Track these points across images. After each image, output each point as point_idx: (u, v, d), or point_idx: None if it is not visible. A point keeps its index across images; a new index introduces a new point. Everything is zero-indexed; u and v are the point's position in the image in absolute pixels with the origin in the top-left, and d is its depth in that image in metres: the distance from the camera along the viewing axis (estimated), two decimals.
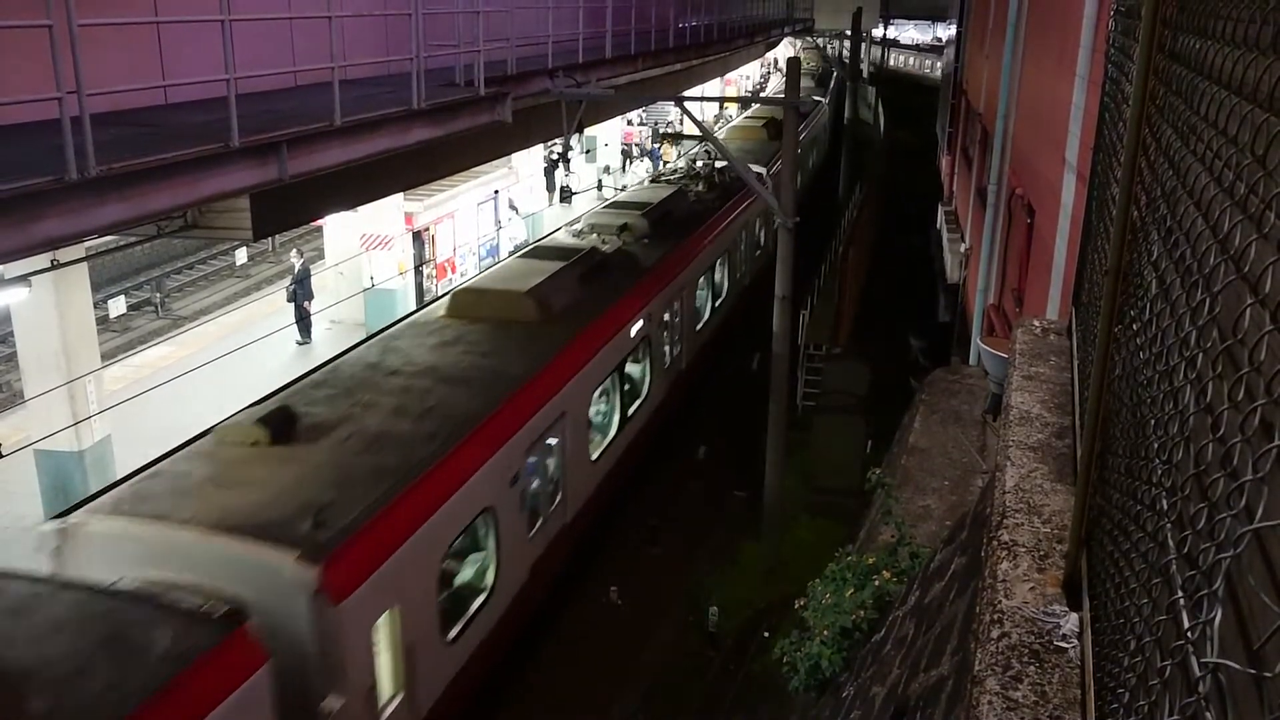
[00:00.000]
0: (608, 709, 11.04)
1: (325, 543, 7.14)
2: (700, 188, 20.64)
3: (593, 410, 12.25)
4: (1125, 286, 3.07)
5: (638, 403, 13.93)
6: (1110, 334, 3.01)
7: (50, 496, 12.63)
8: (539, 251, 14.33)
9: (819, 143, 34.98)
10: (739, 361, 20.08)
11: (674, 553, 13.94)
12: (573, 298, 12.61)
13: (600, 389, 12.31)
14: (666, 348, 15.20)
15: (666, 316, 14.97)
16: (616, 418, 13.14)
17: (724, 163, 21.67)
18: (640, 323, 13.47)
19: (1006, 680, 2.83)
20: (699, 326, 17.25)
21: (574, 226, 16.77)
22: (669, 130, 41.90)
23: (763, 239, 22.66)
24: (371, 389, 9.82)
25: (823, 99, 37.49)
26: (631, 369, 13.93)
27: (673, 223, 17.32)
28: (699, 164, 22.33)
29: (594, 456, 12.15)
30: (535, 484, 10.43)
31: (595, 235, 15.97)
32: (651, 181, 21.79)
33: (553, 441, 10.75)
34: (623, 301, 13.25)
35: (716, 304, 18.51)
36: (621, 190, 22.70)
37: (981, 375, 12.04)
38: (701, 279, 17.38)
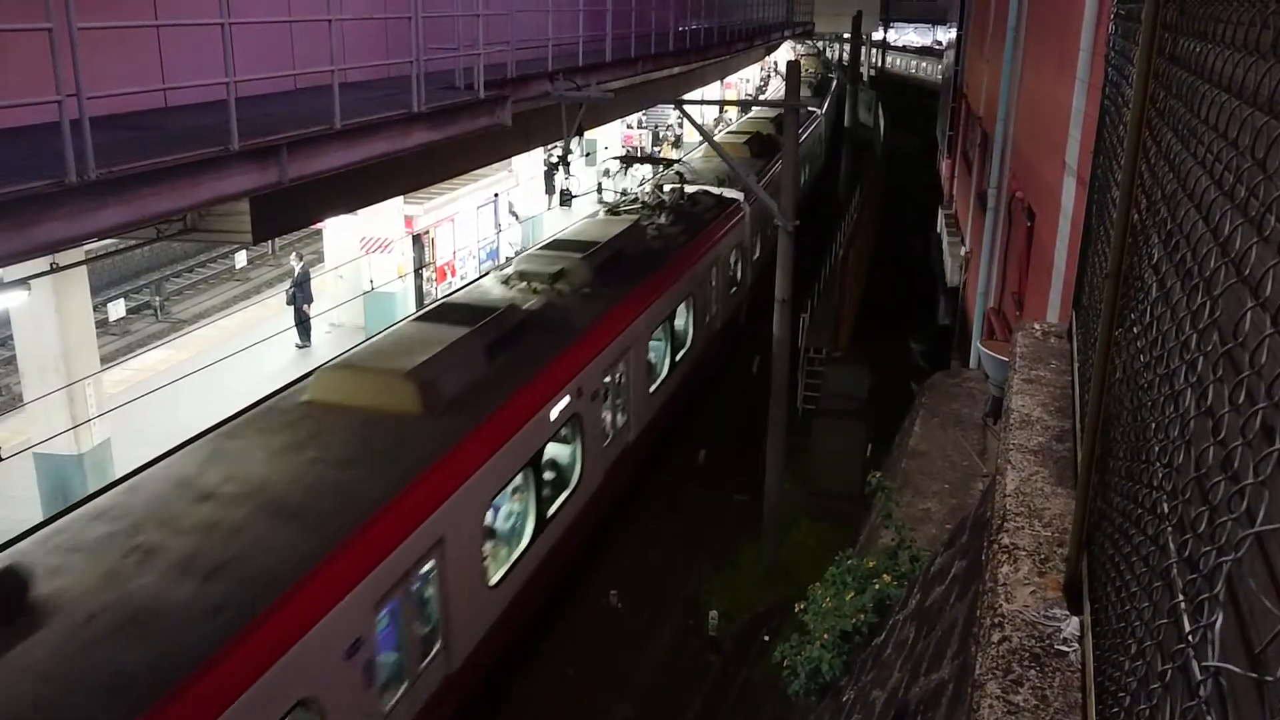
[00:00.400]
0: (608, 713, 11.03)
1: None
2: (662, 219, 17.65)
3: (494, 520, 9.87)
4: (1125, 290, 3.07)
5: (563, 497, 11.32)
6: (1111, 337, 3.01)
7: (50, 500, 12.63)
8: (441, 313, 11.60)
9: (814, 156, 32.93)
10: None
11: (674, 556, 13.94)
12: (473, 376, 10.06)
13: (506, 491, 9.91)
14: (606, 420, 12.69)
15: (607, 380, 12.56)
16: (530, 523, 10.49)
17: (694, 188, 19.76)
18: (566, 399, 10.97)
19: (1007, 684, 2.83)
20: (653, 388, 14.62)
21: (504, 271, 14.13)
22: (664, 137, 41.96)
23: (739, 274, 20.07)
24: (164, 525, 7.22)
25: (818, 109, 35.93)
26: (556, 454, 11.48)
27: (623, 265, 14.54)
28: (666, 189, 19.47)
29: (494, 580, 9.59)
30: (393, 642, 7.95)
31: (525, 284, 13.42)
32: (609, 213, 18.44)
33: (427, 573, 8.31)
34: (543, 375, 10.72)
35: (677, 357, 15.83)
36: (621, 195, 20.34)
37: (982, 378, 12.03)
38: (659, 329, 14.83)
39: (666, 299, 14.93)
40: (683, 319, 16.35)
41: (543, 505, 10.68)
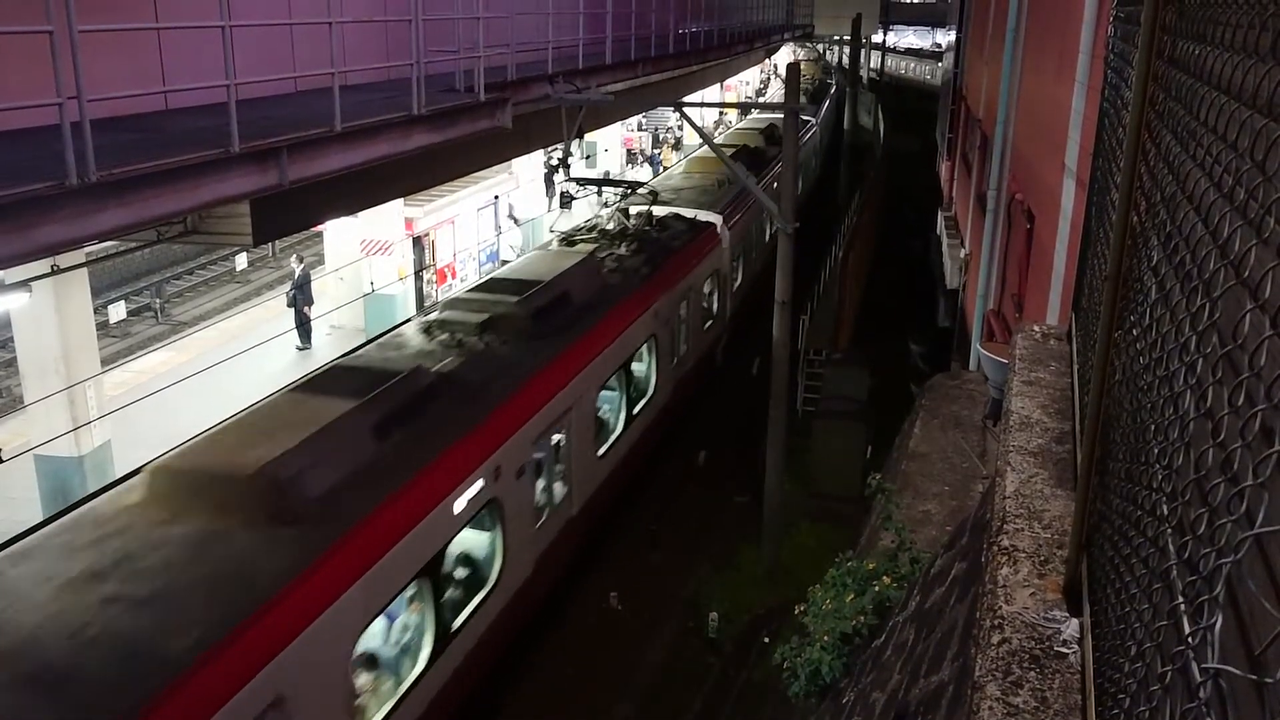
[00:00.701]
0: (608, 713, 11.04)
1: None
2: (623, 249, 15.37)
3: (375, 646, 8.05)
4: (1125, 292, 3.07)
5: (477, 600, 9.36)
6: (1110, 339, 3.01)
7: (50, 501, 12.64)
8: (329, 379, 9.43)
9: (808, 167, 31.12)
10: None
11: (674, 558, 13.94)
12: (350, 467, 8.00)
13: (386, 614, 8.00)
14: (539, 497, 10.76)
15: (541, 448, 10.66)
16: (428, 641, 8.46)
17: (663, 211, 17.73)
18: (478, 484, 9.05)
19: (1007, 686, 2.83)
20: (603, 451, 12.70)
21: (426, 318, 11.79)
22: (666, 137, 41.97)
23: (716, 306, 18.15)
24: None
25: (814, 118, 34.29)
26: (467, 548, 9.55)
27: (569, 306, 12.38)
28: (632, 212, 17.12)
29: None
30: None
31: (445, 337, 11.17)
32: (562, 243, 15.93)
33: None
34: (446, 458, 8.76)
35: (636, 409, 13.94)
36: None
37: (981, 380, 12.04)
38: (613, 378, 12.97)
39: (622, 343, 12.96)
40: (644, 364, 14.47)
41: (445, 617, 8.74)
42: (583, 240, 15.82)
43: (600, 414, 12.84)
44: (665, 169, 30.28)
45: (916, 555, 7.08)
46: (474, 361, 10.63)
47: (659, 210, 17.72)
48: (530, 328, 11.46)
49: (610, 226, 16.62)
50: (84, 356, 12.65)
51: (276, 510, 7.28)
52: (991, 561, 3.41)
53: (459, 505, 8.75)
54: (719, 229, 18.13)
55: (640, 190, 18.81)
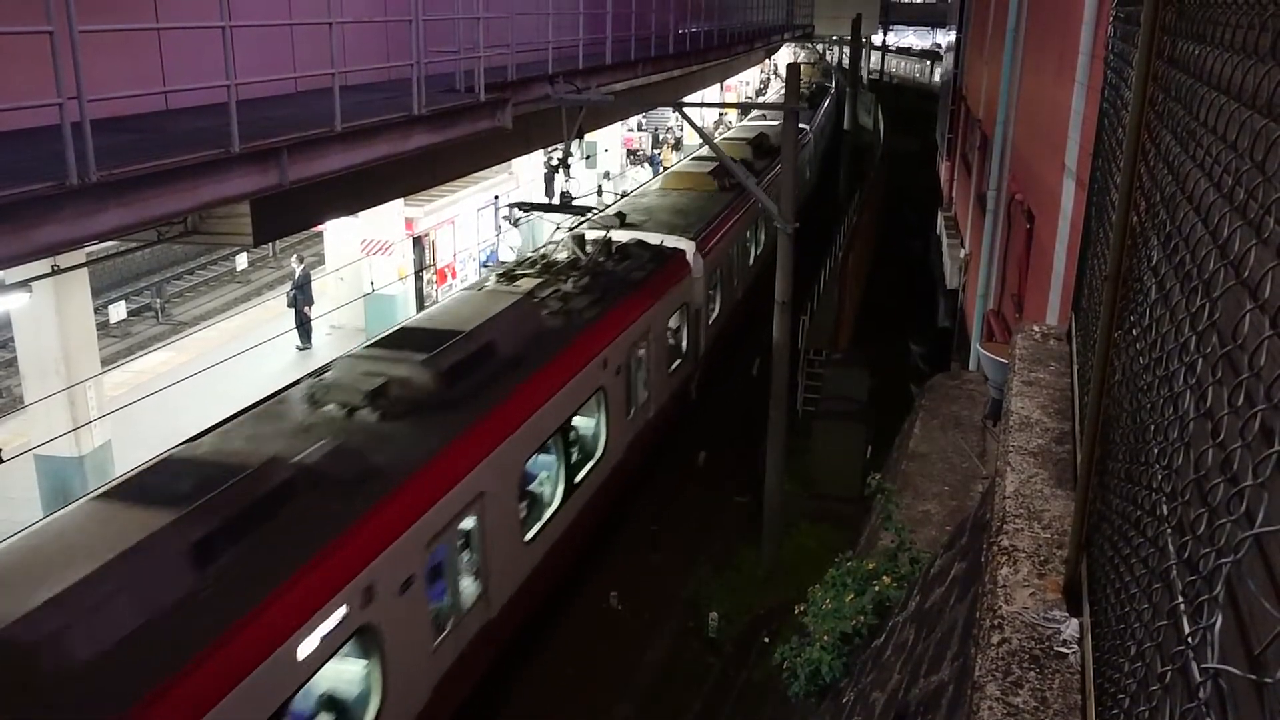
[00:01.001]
0: (608, 713, 11.04)
1: None
2: (570, 285, 13.15)
3: None
4: (1125, 292, 3.07)
5: None
6: (1110, 339, 3.01)
7: (50, 501, 12.64)
8: (153, 479, 7.49)
9: (802, 176, 27.87)
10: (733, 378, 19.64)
11: (674, 558, 13.94)
12: (142, 619, 6.00)
13: None
14: (441, 607, 8.72)
15: (443, 538, 8.53)
16: None
17: (625, 236, 15.81)
18: (340, 613, 6.98)
19: (1007, 686, 2.83)
20: (532, 534, 10.47)
21: (321, 379, 9.76)
22: (667, 137, 41.95)
23: (685, 343, 16.04)
24: None
25: (808, 125, 32.33)
26: (326, 688, 7.35)
27: (492, 362, 10.34)
28: (589, 240, 15.15)
29: None
30: None
31: (327, 409, 9.17)
32: (501, 277, 13.79)
33: None
34: (286, 590, 6.63)
35: (579, 477, 11.69)
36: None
37: (981, 380, 12.03)
38: (550, 441, 10.80)
39: (560, 402, 10.83)
40: (590, 421, 12.42)
41: None
42: (525, 275, 13.65)
43: (529, 488, 10.77)
44: (665, 168, 30.20)
45: (916, 555, 7.08)
46: (353, 444, 8.40)
47: (621, 235, 15.65)
48: (436, 392, 9.41)
49: (561, 257, 14.59)
50: (84, 356, 12.65)
51: (18, 691, 5.35)
52: (991, 561, 3.41)
53: (306, 648, 6.63)
54: (689, 256, 16.13)
55: (606, 213, 16.93)
